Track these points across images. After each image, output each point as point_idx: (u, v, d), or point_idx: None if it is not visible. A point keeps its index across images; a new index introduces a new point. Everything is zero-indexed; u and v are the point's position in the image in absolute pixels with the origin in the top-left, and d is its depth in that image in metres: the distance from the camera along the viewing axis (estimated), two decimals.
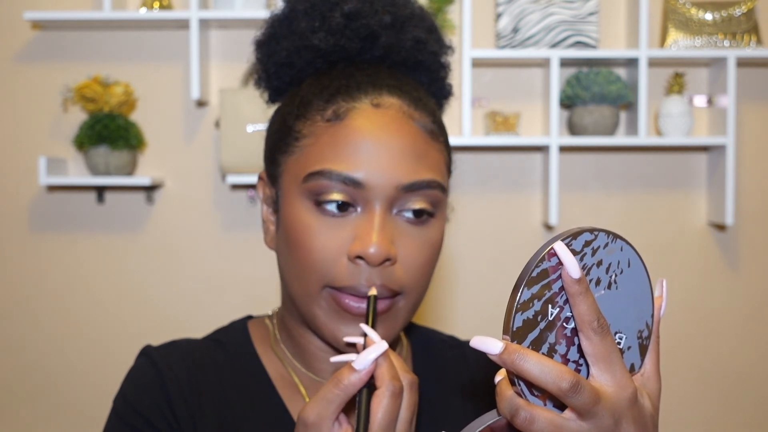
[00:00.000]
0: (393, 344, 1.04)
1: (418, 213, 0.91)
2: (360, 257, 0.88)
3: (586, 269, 0.66)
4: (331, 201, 0.89)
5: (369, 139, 0.89)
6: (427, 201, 0.91)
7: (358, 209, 0.90)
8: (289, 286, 0.95)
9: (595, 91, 2.47)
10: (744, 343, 2.69)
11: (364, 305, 0.90)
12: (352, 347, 0.91)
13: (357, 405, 0.81)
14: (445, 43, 1.04)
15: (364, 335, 0.86)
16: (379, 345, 0.82)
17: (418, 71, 1.01)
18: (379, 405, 0.80)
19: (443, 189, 0.93)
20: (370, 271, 0.89)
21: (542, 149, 2.63)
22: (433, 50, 1.02)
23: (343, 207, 0.89)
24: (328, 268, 0.89)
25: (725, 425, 2.69)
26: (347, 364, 0.81)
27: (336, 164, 0.89)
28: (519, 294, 0.64)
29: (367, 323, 0.87)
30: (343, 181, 0.88)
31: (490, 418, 0.73)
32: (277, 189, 0.97)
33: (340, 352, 0.96)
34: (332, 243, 0.89)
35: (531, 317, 0.65)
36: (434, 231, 0.93)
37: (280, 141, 0.96)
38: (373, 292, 0.89)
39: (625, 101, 2.50)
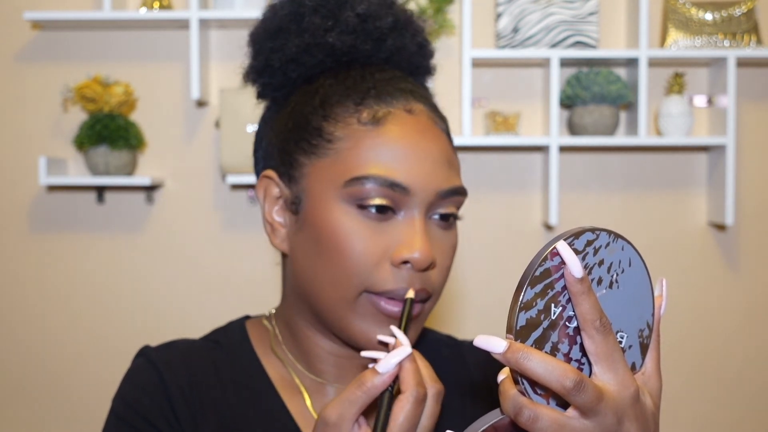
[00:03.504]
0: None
1: (445, 217, 0.93)
2: (406, 262, 0.89)
3: (588, 268, 0.66)
4: (374, 206, 0.89)
5: (410, 146, 0.91)
6: (455, 206, 0.94)
7: (400, 214, 0.91)
8: (315, 290, 0.94)
9: (595, 91, 2.47)
10: (743, 343, 2.69)
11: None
12: (385, 346, 0.91)
13: (378, 407, 0.81)
14: (433, 48, 1.07)
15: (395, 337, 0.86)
16: (403, 349, 0.82)
17: (413, 75, 1.03)
18: (401, 409, 0.80)
19: (467, 194, 0.96)
20: (412, 275, 0.90)
21: (542, 149, 2.63)
22: (430, 56, 1.05)
23: (383, 213, 0.90)
24: (370, 272, 0.90)
25: (725, 424, 2.69)
26: (372, 367, 0.82)
27: (381, 169, 0.89)
28: (522, 293, 0.64)
29: (399, 325, 0.87)
30: (389, 187, 0.89)
31: (493, 417, 0.73)
32: (298, 191, 0.95)
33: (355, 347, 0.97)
34: (375, 248, 0.90)
35: (534, 316, 0.65)
36: (455, 234, 0.96)
37: (302, 141, 0.95)
38: (410, 294, 0.89)
39: (625, 101, 2.51)
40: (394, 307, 0.90)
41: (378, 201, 0.89)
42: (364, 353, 0.86)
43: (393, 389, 0.82)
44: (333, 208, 0.91)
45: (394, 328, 0.86)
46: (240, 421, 0.97)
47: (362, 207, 0.90)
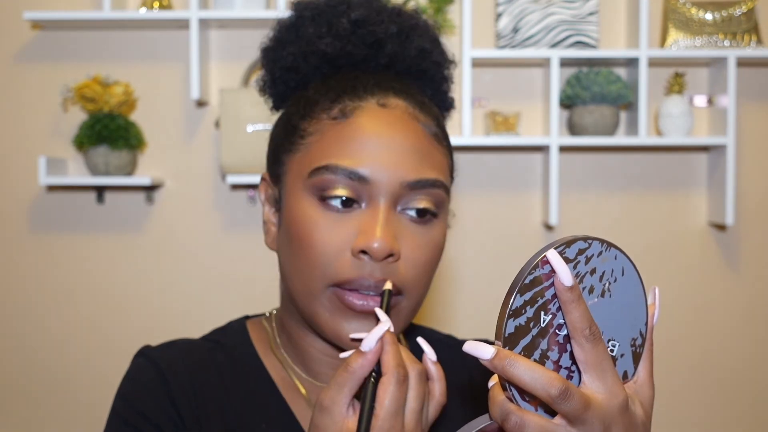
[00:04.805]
0: None
1: (421, 212, 0.92)
2: (364, 252, 0.89)
3: (579, 277, 0.66)
4: (336, 196, 0.89)
5: (374, 136, 0.90)
6: (431, 201, 0.92)
7: (363, 205, 0.90)
8: (290, 285, 0.95)
9: (595, 91, 2.47)
10: (743, 343, 2.69)
11: (367, 302, 0.90)
12: (359, 343, 0.91)
13: (363, 391, 0.81)
14: (447, 56, 1.05)
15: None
16: (383, 324, 0.82)
17: (421, 80, 1.02)
18: (386, 392, 0.80)
19: (447, 190, 0.94)
20: (373, 266, 0.89)
21: (542, 149, 2.63)
22: (436, 60, 1.03)
23: (347, 203, 0.90)
24: (331, 263, 0.89)
25: (725, 424, 2.69)
26: (356, 349, 0.82)
27: (341, 159, 0.89)
28: (511, 300, 0.65)
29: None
30: (349, 176, 0.89)
31: (482, 422, 0.73)
32: (280, 188, 0.97)
33: (342, 351, 0.96)
34: (336, 238, 0.89)
35: (523, 324, 0.65)
36: (437, 231, 0.94)
37: (284, 140, 0.97)
38: (387, 286, 0.89)
39: (625, 101, 2.50)
40: (358, 300, 0.90)
41: (340, 192, 0.89)
42: (342, 355, 0.86)
43: (377, 376, 0.82)
44: (299, 200, 0.92)
45: (377, 309, 0.86)
46: (244, 422, 0.97)
47: (324, 198, 0.90)
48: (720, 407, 2.69)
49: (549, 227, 2.64)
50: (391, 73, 1.00)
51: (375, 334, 0.82)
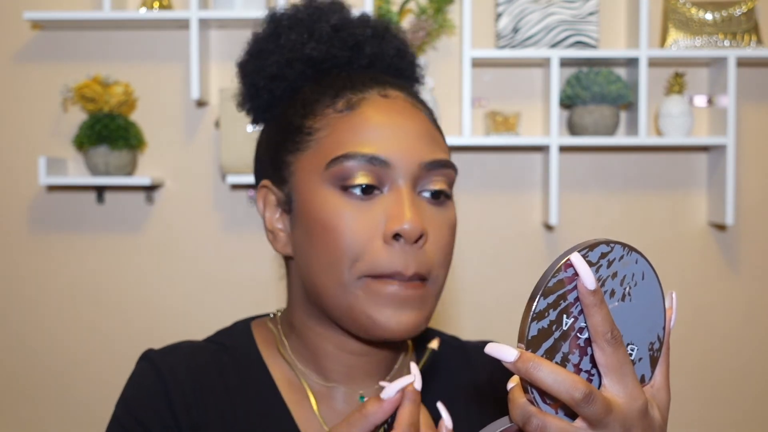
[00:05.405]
0: (402, 345, 1.05)
1: (436, 194, 0.93)
2: (397, 235, 0.89)
3: (601, 281, 0.66)
4: (357, 185, 0.90)
5: (386, 123, 0.92)
6: (445, 181, 0.94)
7: (384, 190, 0.91)
8: (316, 282, 0.94)
9: (595, 91, 2.47)
10: (743, 343, 2.69)
11: (402, 290, 0.89)
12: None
13: None
14: (417, 60, 1.10)
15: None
16: (409, 377, 0.82)
17: (400, 80, 1.05)
18: None
19: (456, 170, 0.96)
20: (406, 252, 0.89)
21: (542, 149, 2.63)
22: (411, 60, 1.07)
23: (367, 191, 0.90)
24: (361, 252, 0.89)
25: (725, 424, 2.70)
26: (376, 395, 0.82)
27: (359, 147, 0.91)
28: (535, 303, 0.65)
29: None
30: (370, 162, 0.90)
31: (501, 424, 0.73)
32: (288, 189, 0.97)
33: (370, 344, 0.97)
34: (362, 226, 0.90)
35: (546, 326, 0.66)
36: (451, 213, 0.96)
37: (287, 141, 0.97)
38: (433, 345, 0.88)
39: (625, 101, 2.51)
40: (391, 288, 0.89)
41: (361, 179, 0.90)
42: (382, 384, 0.85)
43: (388, 428, 0.81)
44: (318, 193, 0.92)
45: (412, 364, 0.85)
46: (244, 426, 0.96)
47: (346, 188, 0.91)
48: (720, 407, 2.69)
49: (549, 227, 2.65)
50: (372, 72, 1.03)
51: (397, 384, 0.81)
